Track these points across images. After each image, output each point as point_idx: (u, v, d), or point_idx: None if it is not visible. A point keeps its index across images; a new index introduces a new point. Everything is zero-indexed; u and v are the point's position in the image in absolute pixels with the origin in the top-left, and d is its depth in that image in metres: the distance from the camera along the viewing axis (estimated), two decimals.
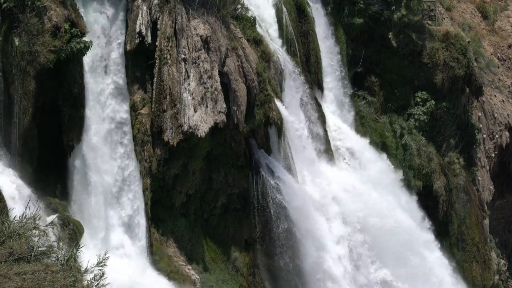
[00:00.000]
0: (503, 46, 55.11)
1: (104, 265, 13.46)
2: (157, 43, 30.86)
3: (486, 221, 48.38)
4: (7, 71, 26.90)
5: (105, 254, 13.50)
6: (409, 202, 41.78)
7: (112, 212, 29.96)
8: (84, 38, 27.86)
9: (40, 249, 13.83)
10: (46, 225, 14.18)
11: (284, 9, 38.10)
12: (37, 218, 14.23)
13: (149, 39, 30.55)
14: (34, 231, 14.01)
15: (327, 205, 36.64)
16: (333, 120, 40.55)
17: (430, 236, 41.43)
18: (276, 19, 37.88)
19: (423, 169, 43.37)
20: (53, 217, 25.69)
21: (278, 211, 34.25)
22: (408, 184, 42.56)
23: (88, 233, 28.21)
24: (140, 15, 30.44)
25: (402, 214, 39.70)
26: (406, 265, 39.27)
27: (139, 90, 30.94)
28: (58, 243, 14.16)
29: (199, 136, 30.97)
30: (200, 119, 30.97)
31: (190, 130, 30.73)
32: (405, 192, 42.01)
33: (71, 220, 27.45)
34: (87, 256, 14.81)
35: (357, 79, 43.80)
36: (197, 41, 31.45)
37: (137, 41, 30.39)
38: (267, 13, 37.72)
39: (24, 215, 14.38)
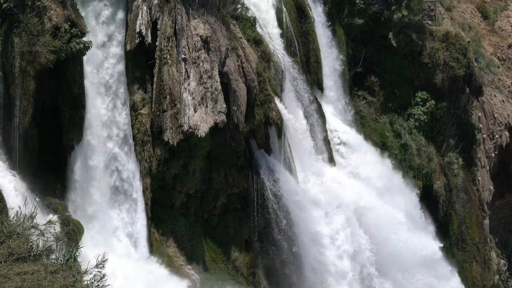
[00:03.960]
0: (503, 46, 55.10)
1: (103, 267, 13.48)
2: (157, 43, 30.87)
3: (486, 221, 48.38)
4: (7, 71, 26.91)
5: (104, 256, 13.50)
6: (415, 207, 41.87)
7: (112, 211, 29.97)
8: (84, 38, 27.88)
9: (39, 249, 13.85)
10: (44, 224, 14.20)
11: (284, 9, 38.09)
12: (35, 216, 14.25)
13: (149, 39, 30.56)
14: (32, 230, 14.02)
15: (326, 205, 36.62)
16: (333, 120, 40.54)
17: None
18: (276, 19, 37.87)
19: (423, 169, 43.37)
20: (54, 218, 25.70)
21: (278, 211, 34.25)
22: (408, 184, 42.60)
23: (88, 233, 28.22)
24: (140, 15, 30.46)
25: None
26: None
27: (139, 90, 30.95)
28: (57, 243, 14.18)
29: (199, 136, 30.98)
30: (200, 119, 30.98)
31: (190, 130, 30.74)
32: (412, 198, 42.06)
33: (71, 220, 27.46)
34: (87, 256, 14.83)
35: (357, 79, 43.79)
36: (197, 41, 31.46)
37: (137, 41, 30.40)
38: (267, 13, 37.70)
39: (19, 214, 14.39)
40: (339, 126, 40.81)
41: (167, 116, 30.69)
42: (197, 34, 31.53)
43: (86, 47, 27.89)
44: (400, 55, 44.84)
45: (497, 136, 50.37)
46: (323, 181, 37.31)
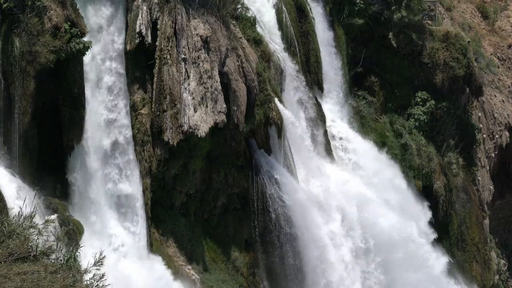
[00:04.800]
0: (503, 46, 55.10)
1: (101, 264, 13.48)
2: (157, 43, 30.88)
3: (486, 221, 48.38)
4: (7, 71, 26.91)
5: (101, 254, 13.51)
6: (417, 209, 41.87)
7: (112, 212, 29.97)
8: (84, 38, 27.88)
9: (39, 249, 13.85)
10: (43, 223, 14.21)
11: (284, 9, 38.10)
12: (34, 216, 14.24)
13: (149, 39, 30.56)
14: (32, 229, 14.03)
15: (327, 205, 36.63)
16: (333, 120, 40.54)
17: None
18: (276, 19, 37.88)
19: (423, 169, 43.37)
20: (52, 217, 25.72)
21: (278, 211, 34.27)
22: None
23: (88, 233, 28.22)
24: (140, 15, 30.46)
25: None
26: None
27: (139, 90, 30.95)
28: (56, 243, 14.18)
29: (199, 136, 30.98)
30: (200, 119, 30.98)
31: (190, 130, 30.74)
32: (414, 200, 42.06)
33: (71, 220, 27.47)
34: (87, 256, 14.83)
35: (357, 79, 43.79)
36: (197, 41, 31.47)
37: (137, 41, 30.41)
38: (267, 13, 37.72)
39: (19, 213, 14.39)
40: (339, 126, 40.82)
41: (167, 116, 30.69)
42: (197, 34, 31.54)
43: (86, 47, 27.89)
44: (400, 55, 44.84)
45: (497, 136, 50.37)
46: (323, 181, 37.32)
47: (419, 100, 44.64)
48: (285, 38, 37.93)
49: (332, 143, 39.53)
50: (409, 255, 39.38)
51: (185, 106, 30.77)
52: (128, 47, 30.29)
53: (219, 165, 33.46)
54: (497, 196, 51.12)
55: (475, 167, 47.47)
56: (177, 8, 31.24)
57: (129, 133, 30.48)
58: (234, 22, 33.97)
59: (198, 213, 33.30)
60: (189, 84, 31.07)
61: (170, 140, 30.65)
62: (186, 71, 31.17)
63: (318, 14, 41.34)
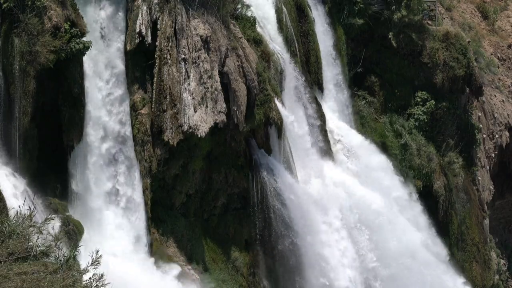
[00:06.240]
0: (503, 46, 55.12)
1: (98, 263, 13.50)
2: (157, 43, 30.88)
3: (486, 221, 48.40)
4: (7, 71, 26.91)
5: (97, 253, 13.52)
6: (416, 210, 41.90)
7: (112, 212, 29.97)
8: (83, 38, 27.88)
9: (39, 248, 13.85)
10: (42, 222, 14.22)
11: (284, 9, 38.10)
12: (33, 215, 14.25)
13: (149, 39, 30.56)
14: (31, 229, 14.04)
15: (327, 205, 36.64)
16: (333, 120, 40.55)
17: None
18: (276, 19, 37.89)
19: (423, 169, 43.39)
20: (51, 216, 25.68)
21: (278, 211, 34.28)
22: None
23: (88, 234, 28.21)
24: (140, 15, 30.46)
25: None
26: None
27: (139, 90, 30.95)
28: (56, 243, 14.18)
29: (199, 136, 30.99)
30: (200, 119, 30.99)
31: (190, 130, 30.74)
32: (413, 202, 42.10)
33: (71, 220, 27.47)
34: (86, 256, 14.83)
35: (357, 79, 43.81)
36: (197, 41, 31.47)
37: (137, 41, 30.41)
38: (267, 13, 37.72)
39: (19, 213, 14.40)
40: (339, 126, 40.82)
41: (167, 116, 30.70)
42: (197, 34, 31.54)
43: (86, 47, 27.89)
44: (400, 55, 44.84)
45: (497, 136, 50.39)
46: (323, 181, 37.33)
47: (419, 100, 44.65)
48: (285, 38, 37.93)
49: (332, 143, 39.53)
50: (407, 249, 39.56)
51: (185, 106, 30.78)
52: (128, 47, 30.29)
53: (219, 165, 33.48)
54: (497, 196, 51.15)
55: (475, 167, 47.49)
56: (177, 8, 31.24)
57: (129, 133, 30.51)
58: (234, 22, 33.98)
59: (198, 213, 33.31)
60: (189, 84, 31.07)
61: (170, 140, 30.66)
62: (186, 71, 31.17)
63: (318, 14, 41.35)
